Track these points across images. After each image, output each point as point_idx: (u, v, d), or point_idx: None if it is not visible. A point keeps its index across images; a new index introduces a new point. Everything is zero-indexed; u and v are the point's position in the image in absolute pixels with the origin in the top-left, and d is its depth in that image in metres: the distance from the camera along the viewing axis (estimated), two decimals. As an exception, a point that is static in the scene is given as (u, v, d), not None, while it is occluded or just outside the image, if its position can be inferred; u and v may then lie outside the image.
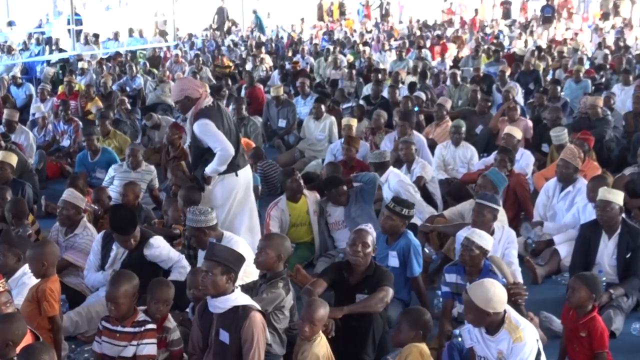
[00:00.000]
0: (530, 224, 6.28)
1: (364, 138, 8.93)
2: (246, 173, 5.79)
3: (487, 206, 5.19)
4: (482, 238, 4.54)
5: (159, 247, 5.07)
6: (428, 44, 19.33)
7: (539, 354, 3.79)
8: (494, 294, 3.71)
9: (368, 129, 9.15)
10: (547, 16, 24.43)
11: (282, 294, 4.23)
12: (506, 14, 26.80)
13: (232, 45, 20.63)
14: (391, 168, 6.79)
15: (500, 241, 5.24)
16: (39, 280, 4.40)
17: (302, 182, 6.36)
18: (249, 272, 4.57)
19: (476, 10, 24.32)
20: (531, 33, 21.53)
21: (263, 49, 18.61)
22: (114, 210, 5.21)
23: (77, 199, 5.67)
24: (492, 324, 3.76)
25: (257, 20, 25.26)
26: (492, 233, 5.20)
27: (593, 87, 11.99)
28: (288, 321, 4.31)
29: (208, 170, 5.53)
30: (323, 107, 9.70)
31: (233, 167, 5.60)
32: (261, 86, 13.30)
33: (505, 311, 3.77)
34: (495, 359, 3.78)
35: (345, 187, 6.27)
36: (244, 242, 4.97)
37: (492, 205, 5.19)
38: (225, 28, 25.26)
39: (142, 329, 4.00)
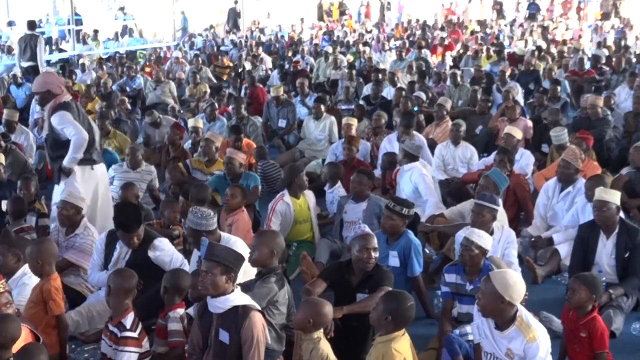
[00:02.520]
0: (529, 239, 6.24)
1: (366, 138, 8.93)
2: (103, 169, 6.33)
3: (486, 206, 5.18)
4: (481, 238, 4.54)
5: (164, 250, 5.05)
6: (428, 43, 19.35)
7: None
8: (514, 282, 3.71)
9: (369, 129, 9.15)
10: (532, 13, 25.12)
11: (275, 288, 4.23)
12: (499, 14, 26.96)
13: (236, 42, 20.67)
14: (418, 163, 6.84)
15: (500, 241, 5.25)
16: (39, 280, 4.39)
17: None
18: (248, 272, 4.58)
19: (458, 18, 24.59)
20: (531, 33, 21.53)
21: (261, 49, 18.58)
22: (119, 207, 5.23)
23: (76, 199, 5.67)
24: (504, 317, 3.73)
25: (184, 22, 25.02)
26: (491, 233, 5.21)
27: (593, 87, 11.97)
28: (284, 317, 4.30)
29: (66, 161, 5.86)
30: (323, 107, 9.70)
31: (89, 161, 6.07)
32: (261, 86, 13.32)
33: (517, 309, 3.75)
34: (504, 355, 3.76)
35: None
36: (242, 242, 4.96)
37: (491, 206, 5.19)
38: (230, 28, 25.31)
39: (120, 334, 3.94)
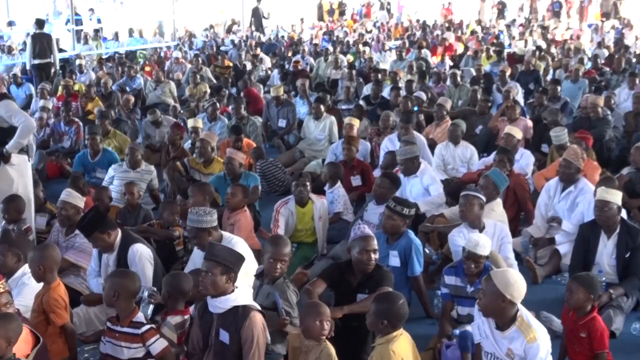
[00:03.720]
0: (530, 241, 6.22)
1: (368, 138, 8.93)
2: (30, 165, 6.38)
3: (475, 196, 5.30)
4: (485, 248, 4.50)
5: (135, 259, 4.87)
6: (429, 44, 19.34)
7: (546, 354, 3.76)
8: (515, 281, 3.72)
9: (373, 129, 9.14)
10: (557, 11, 25.66)
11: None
12: (500, 13, 27.03)
13: (235, 42, 20.66)
14: (424, 163, 6.86)
15: (494, 236, 5.27)
16: (40, 285, 4.37)
17: (308, 189, 6.34)
18: (249, 273, 4.58)
19: (461, 23, 24.86)
20: (531, 33, 21.54)
21: (259, 49, 18.58)
22: (86, 213, 5.17)
23: (75, 198, 5.67)
24: (504, 316, 3.72)
25: (160, 25, 24.66)
26: (482, 229, 5.23)
27: (593, 87, 11.97)
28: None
29: (10, 145, 5.96)
30: (322, 107, 9.69)
31: (27, 153, 6.22)
32: (261, 86, 13.31)
33: (518, 309, 3.75)
34: (504, 355, 3.76)
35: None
36: (243, 242, 4.96)
37: (478, 195, 5.31)
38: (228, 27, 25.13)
39: (140, 331, 3.95)
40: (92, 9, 23.42)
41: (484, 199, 5.38)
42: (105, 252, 4.99)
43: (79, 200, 5.70)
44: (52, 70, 13.60)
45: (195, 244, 5.07)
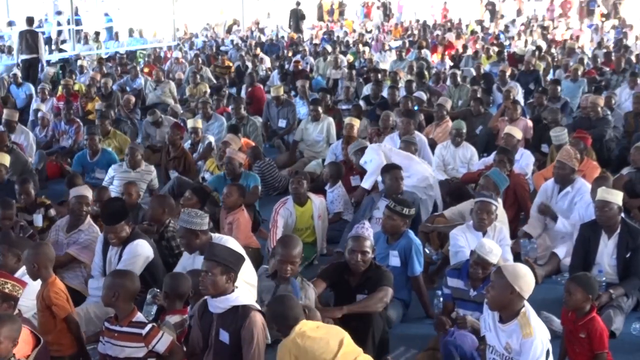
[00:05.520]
0: (529, 240, 6.21)
1: (369, 138, 8.91)
2: None
3: (492, 203, 5.27)
4: (496, 256, 4.47)
5: (127, 252, 4.94)
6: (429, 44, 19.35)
7: (547, 354, 3.75)
8: (524, 274, 3.72)
9: (373, 129, 9.11)
10: (591, 9, 25.92)
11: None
12: (492, 14, 27.03)
13: (238, 43, 20.65)
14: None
15: (493, 237, 5.26)
16: (39, 285, 4.38)
17: (305, 186, 6.32)
18: (249, 272, 4.58)
19: (459, 22, 24.89)
20: (531, 33, 21.55)
21: (259, 49, 18.57)
22: (108, 201, 5.25)
23: (86, 190, 5.74)
24: (510, 309, 3.72)
25: (110, 23, 24.35)
26: (485, 232, 5.23)
27: (593, 87, 11.97)
28: None
29: None
30: (320, 109, 9.62)
31: None
32: (261, 86, 13.30)
33: (524, 306, 3.75)
34: (503, 349, 3.76)
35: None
36: (234, 241, 4.94)
37: (495, 203, 5.31)
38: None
39: (143, 332, 3.93)
40: (59, 12, 23.40)
41: (497, 204, 5.36)
42: (115, 246, 5.02)
43: (87, 191, 5.75)
44: (40, 65, 14.10)
45: (182, 244, 5.07)
